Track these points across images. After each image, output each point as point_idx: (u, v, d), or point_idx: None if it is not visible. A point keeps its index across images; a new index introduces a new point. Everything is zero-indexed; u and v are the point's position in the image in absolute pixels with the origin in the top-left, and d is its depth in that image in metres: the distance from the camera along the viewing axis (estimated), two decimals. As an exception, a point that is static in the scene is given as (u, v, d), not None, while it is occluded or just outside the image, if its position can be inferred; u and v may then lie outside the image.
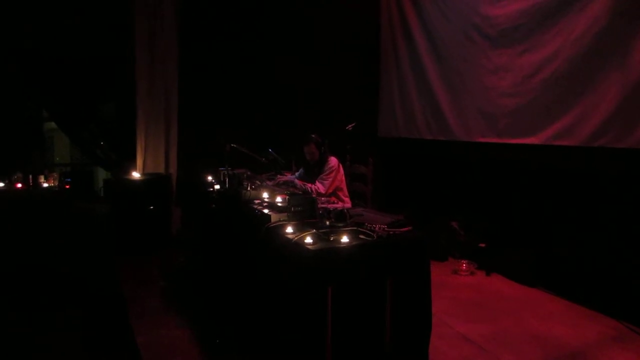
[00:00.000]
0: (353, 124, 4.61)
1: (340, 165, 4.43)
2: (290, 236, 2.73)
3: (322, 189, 4.23)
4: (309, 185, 4.23)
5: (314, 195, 3.97)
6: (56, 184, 5.39)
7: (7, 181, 5.12)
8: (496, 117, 4.84)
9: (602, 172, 4.00)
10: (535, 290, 4.43)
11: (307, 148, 4.40)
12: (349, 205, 4.26)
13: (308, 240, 2.61)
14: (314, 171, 4.43)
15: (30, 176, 5.24)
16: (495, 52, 4.81)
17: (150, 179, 5.82)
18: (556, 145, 4.25)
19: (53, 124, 6.33)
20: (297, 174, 4.64)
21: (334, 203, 3.96)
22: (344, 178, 4.48)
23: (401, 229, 2.87)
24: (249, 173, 4.32)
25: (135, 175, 5.80)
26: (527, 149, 4.53)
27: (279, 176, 4.50)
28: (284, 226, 2.88)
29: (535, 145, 4.44)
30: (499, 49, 4.76)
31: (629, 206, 3.79)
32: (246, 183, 3.96)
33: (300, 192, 3.82)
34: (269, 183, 4.19)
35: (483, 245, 5.00)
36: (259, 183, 4.01)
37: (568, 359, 3.25)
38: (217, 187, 4.34)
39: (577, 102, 4.07)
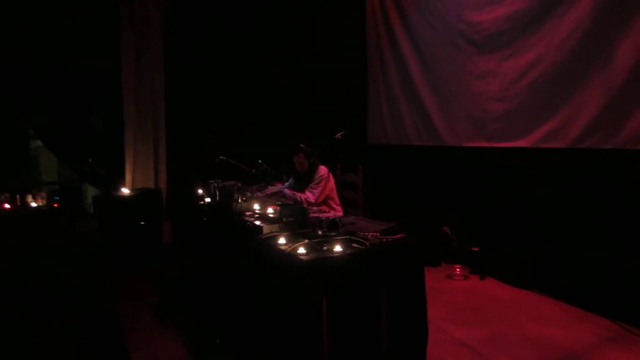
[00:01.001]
0: (343, 132, 4.62)
1: (330, 174, 4.43)
2: (282, 247, 2.71)
3: (311, 198, 4.22)
4: (299, 194, 4.23)
5: (304, 205, 3.96)
6: (44, 202, 5.32)
7: (-6, 201, 5.05)
8: (484, 121, 4.87)
9: (593, 173, 4.04)
10: (529, 292, 4.43)
11: (296, 158, 4.40)
12: (340, 213, 4.25)
13: (301, 250, 2.59)
14: (303, 180, 4.43)
15: (18, 196, 5.17)
16: (481, 57, 4.86)
17: (139, 194, 5.77)
18: (545, 147, 4.29)
19: (39, 142, 6.26)
20: (286, 183, 4.63)
21: (325, 212, 3.95)
22: (334, 186, 4.48)
23: (394, 236, 2.86)
24: (239, 185, 4.30)
25: (125, 191, 5.75)
26: (516, 152, 4.56)
27: (269, 187, 4.48)
28: (276, 237, 2.87)
29: (524, 148, 4.48)
30: (485, 54, 4.80)
31: (622, 206, 3.82)
32: (237, 195, 3.94)
33: (290, 202, 3.80)
34: (260, 194, 4.17)
35: (476, 249, 5.00)
36: (249, 194, 3.99)
37: (565, 360, 3.26)
38: (207, 199, 4.31)
39: (563, 105, 4.12)
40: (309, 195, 4.23)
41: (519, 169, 4.65)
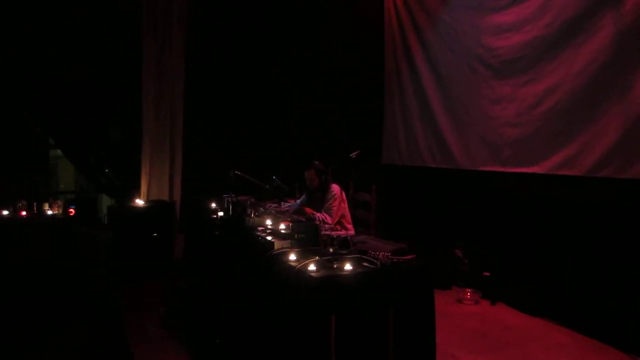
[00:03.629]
0: (357, 152, 4.64)
1: (343, 193, 4.44)
2: (293, 263, 2.72)
3: (329, 220, 4.21)
4: (317, 214, 4.23)
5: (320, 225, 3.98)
6: (60, 211, 5.40)
7: (11, 209, 5.13)
8: (500, 146, 4.86)
9: (608, 203, 3.99)
10: (541, 320, 4.36)
11: (307, 173, 4.43)
12: (352, 232, 4.25)
13: (311, 267, 2.60)
14: (316, 198, 4.44)
15: (35, 204, 5.25)
16: (498, 82, 4.87)
17: (154, 206, 5.82)
18: (561, 175, 4.26)
19: (58, 152, 6.37)
20: (299, 200, 4.65)
21: (337, 230, 3.96)
22: (347, 205, 4.48)
23: (404, 257, 2.86)
24: (252, 200, 4.33)
25: (139, 202, 5.81)
26: (531, 179, 4.54)
27: (282, 203, 4.50)
28: (287, 253, 2.88)
29: (539, 174, 4.45)
30: (502, 79, 4.82)
31: (638, 237, 3.76)
32: (250, 210, 3.97)
33: (304, 219, 3.81)
34: (279, 208, 4.20)
35: (487, 274, 4.95)
36: (262, 210, 4.01)
37: (575, 392, 3.20)
38: (220, 213, 4.34)
39: (580, 132, 4.09)
40: (327, 217, 4.22)
41: (534, 195, 4.61)
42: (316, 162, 4.42)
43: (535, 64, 4.47)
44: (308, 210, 4.24)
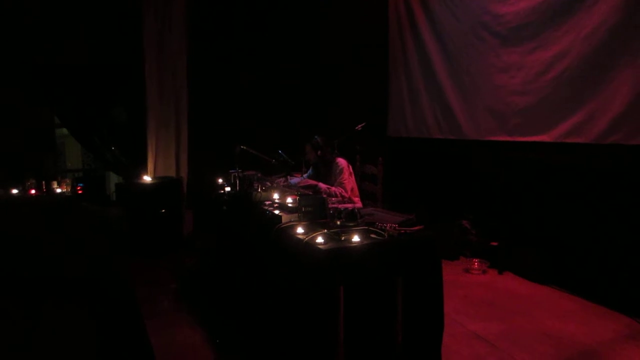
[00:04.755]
0: (363, 124, 4.61)
1: (350, 166, 4.44)
2: (301, 236, 2.74)
3: (345, 194, 4.24)
4: (333, 189, 4.24)
5: (339, 198, 4.00)
6: (69, 189, 5.44)
7: (21, 187, 5.18)
8: (507, 115, 4.81)
9: (615, 168, 3.97)
10: (548, 288, 4.39)
11: (306, 148, 4.45)
12: (359, 205, 4.26)
13: (319, 240, 2.61)
14: (321, 172, 4.45)
15: (43, 182, 5.29)
16: (505, 50, 4.79)
17: (161, 183, 5.86)
18: (568, 142, 4.23)
19: (64, 130, 6.39)
20: (305, 175, 4.65)
21: (344, 203, 3.96)
22: (354, 178, 4.49)
23: (412, 228, 2.87)
24: (259, 175, 4.33)
25: (147, 179, 5.84)
26: (538, 147, 4.51)
27: (289, 177, 4.51)
28: (294, 227, 2.89)
29: (546, 142, 4.42)
30: (509, 47, 4.74)
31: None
32: (256, 185, 3.98)
33: (310, 193, 3.81)
34: (292, 181, 4.24)
35: (495, 243, 4.97)
36: (269, 184, 4.02)
37: (582, 357, 3.23)
38: (227, 189, 4.36)
39: (588, 99, 4.04)
40: (342, 190, 4.24)
41: (540, 164, 4.59)
42: (316, 137, 4.41)
43: (543, 30, 4.39)
44: (323, 185, 4.24)
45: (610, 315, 3.79)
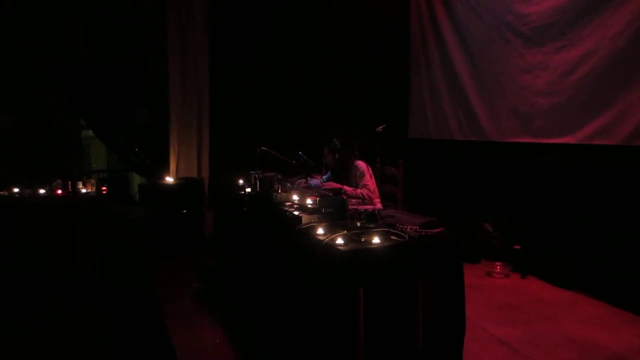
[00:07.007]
0: (383, 126, 4.59)
1: (370, 168, 4.42)
2: (321, 237, 2.73)
3: (372, 194, 4.23)
4: (358, 191, 4.22)
5: (366, 200, 4.00)
6: (93, 189, 5.55)
7: (48, 188, 5.30)
8: (531, 116, 4.74)
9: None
10: (573, 293, 4.30)
11: (324, 150, 4.45)
12: (379, 206, 4.23)
13: (339, 241, 2.60)
14: (341, 174, 4.44)
15: (70, 182, 5.41)
16: (529, 50, 4.72)
17: (183, 183, 5.93)
18: (594, 144, 4.14)
19: (90, 132, 6.51)
20: (324, 177, 4.64)
21: (364, 204, 3.94)
22: (374, 180, 4.46)
23: (433, 230, 2.84)
24: (279, 176, 4.35)
25: (169, 179, 5.92)
26: (563, 149, 4.42)
27: (309, 179, 4.51)
28: (314, 227, 2.89)
29: (571, 144, 4.33)
30: (534, 47, 4.67)
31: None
32: (277, 186, 3.99)
33: (330, 194, 3.80)
34: (305, 184, 4.24)
35: (518, 247, 4.89)
36: (289, 186, 4.03)
37: (607, 363, 3.16)
38: (248, 190, 4.38)
39: (616, 99, 3.95)
40: (366, 192, 4.22)
41: (564, 166, 4.50)
42: (334, 140, 4.40)
43: (569, 29, 4.31)
44: (348, 188, 4.21)
45: (637, 321, 3.70)
